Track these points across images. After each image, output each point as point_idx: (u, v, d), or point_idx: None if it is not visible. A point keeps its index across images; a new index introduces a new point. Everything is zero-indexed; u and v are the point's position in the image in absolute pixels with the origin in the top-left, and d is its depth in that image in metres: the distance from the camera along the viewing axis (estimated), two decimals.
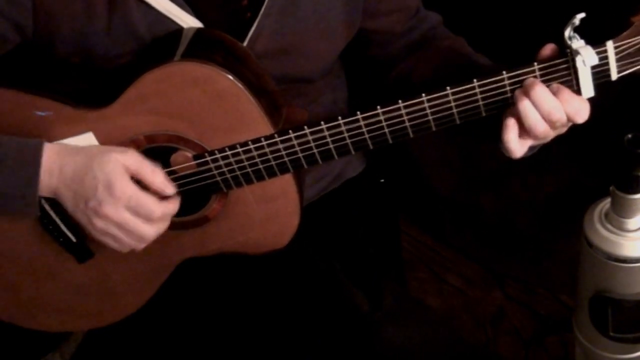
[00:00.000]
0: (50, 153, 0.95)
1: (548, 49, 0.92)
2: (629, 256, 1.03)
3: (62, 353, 1.49)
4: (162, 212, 0.97)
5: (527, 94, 0.90)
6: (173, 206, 1.00)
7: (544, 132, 0.92)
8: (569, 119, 0.92)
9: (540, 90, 0.90)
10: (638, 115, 1.35)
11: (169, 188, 0.98)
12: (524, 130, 0.92)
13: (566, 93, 0.90)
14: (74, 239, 1.05)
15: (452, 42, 1.13)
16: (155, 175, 0.97)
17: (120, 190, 0.94)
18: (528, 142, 0.94)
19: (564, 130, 0.95)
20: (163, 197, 0.98)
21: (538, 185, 1.67)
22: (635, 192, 1.00)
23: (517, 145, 0.93)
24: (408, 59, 1.14)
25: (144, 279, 1.10)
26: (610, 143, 1.00)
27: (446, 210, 1.87)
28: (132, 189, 0.95)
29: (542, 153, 1.03)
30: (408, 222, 1.86)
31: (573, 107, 0.91)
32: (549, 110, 0.90)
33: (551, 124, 0.91)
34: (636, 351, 1.14)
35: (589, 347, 1.16)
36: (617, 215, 1.03)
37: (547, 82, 0.91)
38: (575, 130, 0.96)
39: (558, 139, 0.98)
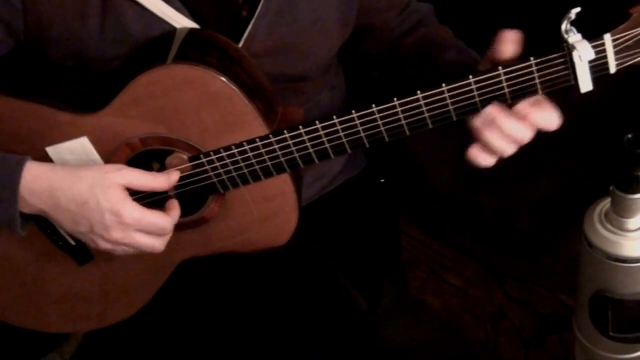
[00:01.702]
0: (34, 173, 0.93)
1: (510, 39, 0.91)
2: (629, 256, 1.02)
3: (62, 353, 1.50)
4: (171, 223, 0.98)
5: (491, 125, 0.92)
6: (176, 212, 1.00)
7: (513, 150, 0.94)
8: (541, 131, 0.93)
9: (504, 123, 0.91)
10: (638, 115, 1.35)
11: (174, 175, 0.98)
12: (492, 151, 0.94)
13: (536, 113, 0.91)
14: (72, 242, 1.05)
15: (426, 33, 1.14)
16: (159, 179, 0.97)
17: (129, 216, 0.93)
18: (496, 157, 0.96)
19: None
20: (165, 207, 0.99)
21: (538, 185, 1.67)
22: (635, 192, 1.00)
23: (485, 160, 0.95)
24: (391, 49, 1.16)
25: (144, 280, 1.10)
26: (610, 143, 1.00)
27: (446, 209, 1.87)
28: (140, 212, 0.95)
29: (542, 153, 1.03)
30: (408, 222, 1.86)
31: (543, 121, 0.92)
32: (515, 138, 0.92)
33: (520, 144, 0.94)
34: (636, 351, 1.13)
35: (589, 347, 1.16)
36: (617, 215, 1.03)
37: (543, 77, 0.91)
38: (575, 130, 0.95)
39: (558, 139, 0.98)
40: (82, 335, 1.37)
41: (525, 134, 0.92)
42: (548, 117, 0.92)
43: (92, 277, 1.10)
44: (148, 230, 0.96)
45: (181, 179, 1.00)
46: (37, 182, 0.93)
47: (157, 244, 0.98)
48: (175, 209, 1.00)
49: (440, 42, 1.11)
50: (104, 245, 0.96)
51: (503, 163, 0.99)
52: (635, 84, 1.15)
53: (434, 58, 1.08)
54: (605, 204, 1.05)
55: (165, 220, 0.97)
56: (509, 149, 0.94)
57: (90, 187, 0.92)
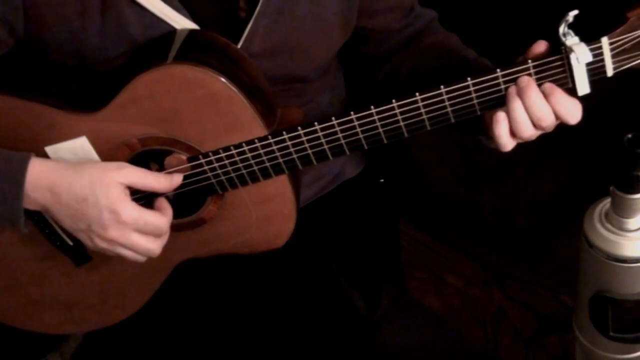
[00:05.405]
0: (38, 169, 0.94)
1: (542, 45, 0.91)
2: (629, 256, 1.02)
3: (62, 353, 1.49)
4: (167, 223, 0.98)
5: (520, 95, 0.90)
6: (169, 211, 1.00)
7: (531, 135, 0.92)
8: (560, 121, 0.91)
9: (533, 95, 0.89)
10: (638, 115, 1.35)
11: (177, 177, 0.98)
12: (511, 129, 0.92)
13: (559, 94, 0.90)
14: (70, 243, 1.05)
15: (442, 38, 1.13)
16: (161, 180, 0.97)
17: (127, 215, 0.94)
18: (516, 140, 0.94)
19: (552, 129, 0.95)
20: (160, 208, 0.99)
21: (538, 185, 1.67)
22: (635, 192, 0.99)
23: (507, 140, 0.93)
24: (398, 55, 1.14)
25: (142, 280, 1.10)
26: (610, 143, 0.99)
27: (446, 210, 1.87)
28: (138, 212, 0.95)
29: (542, 153, 1.02)
30: (407, 222, 1.86)
31: (565, 110, 0.90)
32: (539, 117, 0.90)
33: (540, 128, 0.91)
34: (636, 351, 1.13)
35: (589, 347, 1.16)
36: (617, 215, 1.03)
37: (541, 79, 0.90)
38: (575, 130, 0.95)
39: (558, 139, 0.97)
40: (82, 335, 1.36)
41: (545, 114, 0.90)
42: (572, 105, 0.90)
43: (89, 278, 1.10)
44: (145, 231, 0.96)
45: None
46: (40, 177, 0.93)
47: (153, 246, 0.98)
48: (167, 208, 1.00)
49: (458, 45, 1.11)
50: (101, 244, 0.96)
51: (503, 163, 0.99)
52: (634, 84, 1.14)
53: (458, 58, 1.07)
54: (605, 204, 1.05)
55: (162, 220, 0.97)
56: (526, 129, 0.91)
57: (90, 185, 0.93)
